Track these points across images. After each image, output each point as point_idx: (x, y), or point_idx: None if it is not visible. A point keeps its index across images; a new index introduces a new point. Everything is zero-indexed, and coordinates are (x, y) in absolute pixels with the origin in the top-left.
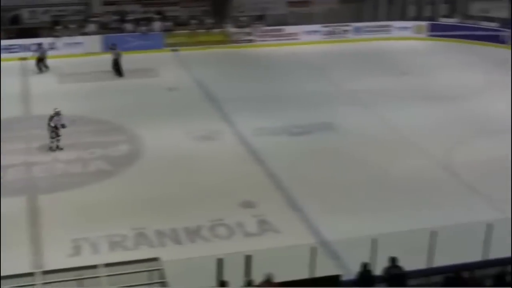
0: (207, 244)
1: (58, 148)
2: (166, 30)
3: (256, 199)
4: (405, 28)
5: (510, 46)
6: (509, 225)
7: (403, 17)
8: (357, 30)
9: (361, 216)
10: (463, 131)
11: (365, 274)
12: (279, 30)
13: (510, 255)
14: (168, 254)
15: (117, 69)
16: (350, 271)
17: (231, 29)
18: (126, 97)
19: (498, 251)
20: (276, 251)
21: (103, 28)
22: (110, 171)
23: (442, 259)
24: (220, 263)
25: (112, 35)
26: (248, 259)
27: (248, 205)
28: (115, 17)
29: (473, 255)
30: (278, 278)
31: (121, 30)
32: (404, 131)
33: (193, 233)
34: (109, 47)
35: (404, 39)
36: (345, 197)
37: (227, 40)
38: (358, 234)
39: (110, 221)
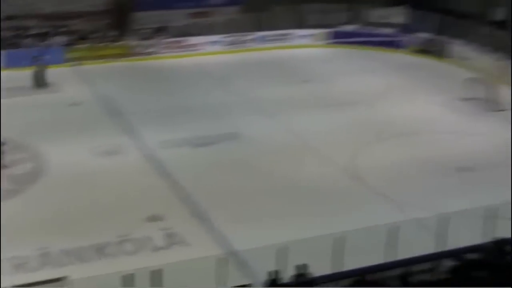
0: (114, 261)
1: None
2: (67, 45)
3: (163, 212)
4: (306, 36)
5: (407, 50)
6: (414, 227)
7: (303, 25)
8: (259, 39)
9: (269, 224)
10: (367, 136)
11: (272, 283)
12: (181, 41)
13: (414, 255)
14: (74, 272)
15: (40, 81)
16: (260, 280)
17: (133, 42)
18: (28, 114)
19: (404, 252)
20: (185, 264)
21: (3, 44)
22: (13, 190)
23: (350, 263)
24: (127, 279)
25: (12, 51)
26: (155, 274)
27: (154, 218)
28: (14, 33)
29: (379, 258)
30: None
31: (20, 45)
32: (308, 139)
33: (100, 250)
34: (33, 59)
35: (305, 47)
36: (253, 206)
37: (129, 53)
38: (266, 243)
39: (13, 242)
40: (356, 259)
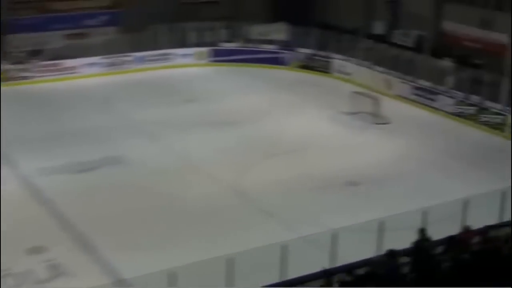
0: None
1: None
2: None
3: (45, 243)
4: (186, 55)
5: (290, 67)
6: (303, 244)
7: (184, 44)
8: (139, 60)
9: (157, 249)
10: (254, 154)
11: None
12: (58, 64)
13: (305, 273)
14: None
15: None
16: None
17: (6, 66)
18: None
19: (295, 271)
20: None
21: None
22: None
23: (242, 286)
24: None
25: None
26: None
27: (36, 250)
28: None
29: (272, 277)
30: None
31: None
32: (194, 159)
33: None
34: None
35: (187, 66)
36: (139, 231)
37: (2, 77)
38: (155, 269)
39: None
40: (248, 281)
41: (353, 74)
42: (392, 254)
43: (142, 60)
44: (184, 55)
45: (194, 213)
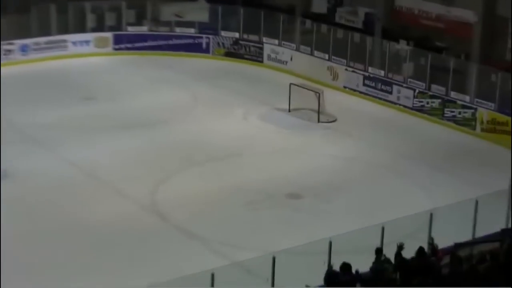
0: None
1: None
2: None
3: None
4: (85, 42)
5: (213, 55)
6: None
7: (81, 29)
8: (24, 49)
9: (61, 276)
10: (169, 163)
11: None
12: None
13: None
14: None
15: None
16: None
17: None
18: None
19: None
20: None
21: None
22: None
23: None
24: None
25: None
26: None
27: None
28: None
29: None
30: None
31: None
32: (97, 172)
33: None
34: None
35: (85, 55)
36: (39, 257)
37: None
38: None
39: None
40: None
41: (290, 62)
42: (331, 276)
43: (28, 48)
44: (82, 42)
45: (99, 238)
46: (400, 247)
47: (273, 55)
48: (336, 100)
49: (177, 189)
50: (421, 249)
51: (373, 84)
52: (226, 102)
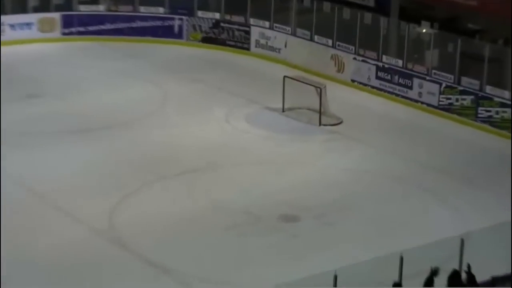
0: None
1: None
2: None
3: None
4: (26, 25)
5: (187, 41)
6: None
7: (21, 9)
8: None
9: None
10: (134, 177)
11: None
12: None
13: None
14: None
15: None
16: None
17: None
18: None
19: None
20: None
21: None
22: None
23: None
24: None
25: None
26: None
27: None
28: None
29: None
30: None
31: None
32: (42, 187)
33: None
34: None
35: (27, 42)
36: None
37: None
38: None
39: None
40: None
41: (284, 50)
42: None
43: None
44: (22, 25)
45: (42, 271)
46: (435, 272)
47: (262, 41)
48: (342, 97)
49: (141, 210)
50: (455, 273)
51: (389, 77)
52: (204, 100)
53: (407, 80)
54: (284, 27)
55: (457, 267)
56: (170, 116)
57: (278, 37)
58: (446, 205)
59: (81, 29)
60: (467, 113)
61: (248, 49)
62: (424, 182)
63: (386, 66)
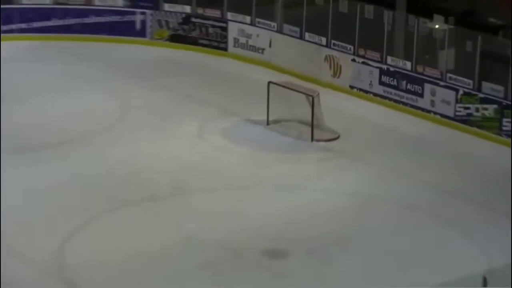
0: None
1: None
2: None
3: None
4: None
5: (151, 40)
6: None
7: None
8: None
9: None
10: (86, 205)
11: None
12: None
13: None
14: None
15: None
16: None
17: None
18: None
19: None
20: None
21: None
22: None
23: None
24: None
25: None
26: None
27: None
28: None
29: None
30: None
31: None
32: None
33: None
34: None
35: None
36: None
37: None
38: None
39: None
40: None
41: (268, 50)
42: None
43: None
44: None
45: None
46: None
47: (242, 40)
48: (338, 107)
49: (97, 245)
50: None
51: (395, 83)
52: (172, 111)
53: (416, 86)
54: (268, 22)
55: None
56: (130, 130)
57: (261, 34)
58: (465, 236)
59: (23, 25)
60: (490, 126)
61: (225, 49)
62: (438, 210)
63: (392, 69)
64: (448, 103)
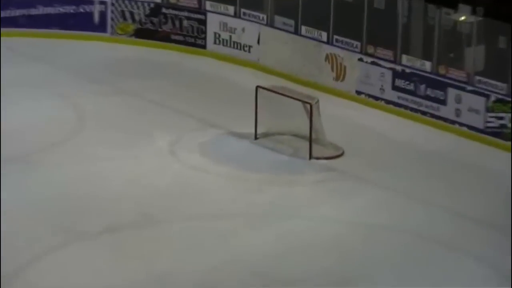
0: None
1: None
2: None
3: None
4: None
5: (113, 35)
6: None
7: None
8: None
9: None
10: (31, 236)
11: None
12: None
13: None
14: None
15: None
16: None
17: None
18: None
19: None
20: None
21: None
22: None
23: None
24: None
25: None
26: None
27: None
28: None
29: None
30: None
31: None
32: None
33: None
34: None
35: None
36: None
37: None
38: None
39: None
40: None
41: (256, 47)
42: None
43: None
44: None
45: None
46: None
47: (224, 35)
48: (342, 118)
49: (46, 286)
50: None
51: (411, 87)
52: (139, 122)
53: (438, 92)
54: (256, 14)
55: None
56: (87, 145)
57: (247, 28)
58: (495, 274)
59: None
60: None
61: (203, 46)
62: (462, 243)
63: (408, 70)
64: (476, 112)
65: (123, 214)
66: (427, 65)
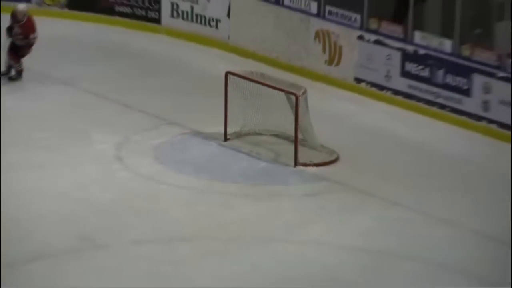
0: None
1: None
2: None
3: None
4: None
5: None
6: None
7: None
8: None
9: None
10: None
11: None
12: None
13: None
14: None
15: None
16: None
17: None
18: None
19: None
20: None
21: None
22: None
23: None
24: None
25: None
26: None
27: None
28: None
29: None
30: None
31: None
32: None
33: None
34: None
35: None
36: None
37: None
38: None
39: None
40: None
41: (225, 23)
42: None
43: None
44: None
45: None
46: None
47: (185, 6)
48: (337, 112)
49: None
50: None
51: (426, 73)
52: (75, 119)
53: (461, 79)
54: None
55: None
56: (5, 151)
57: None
58: None
59: None
60: None
61: (157, 21)
62: (491, 271)
63: (422, 51)
64: (509, 105)
65: (56, 238)
66: (447, 45)
